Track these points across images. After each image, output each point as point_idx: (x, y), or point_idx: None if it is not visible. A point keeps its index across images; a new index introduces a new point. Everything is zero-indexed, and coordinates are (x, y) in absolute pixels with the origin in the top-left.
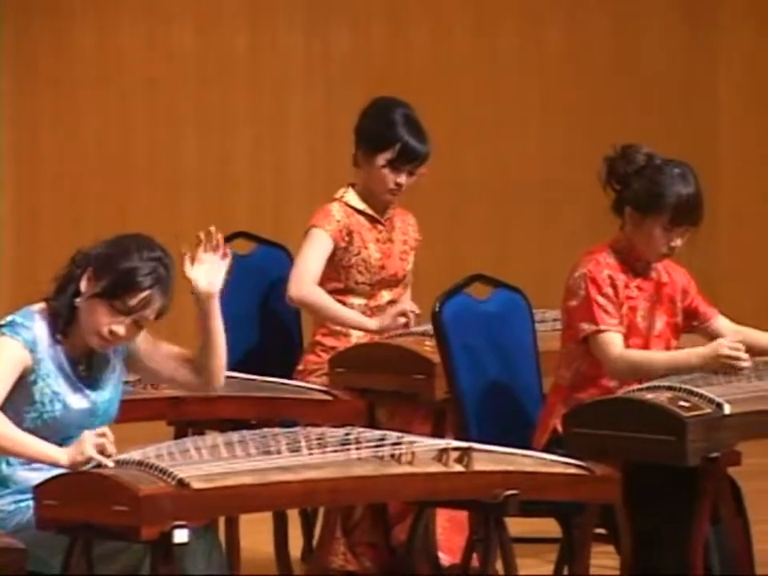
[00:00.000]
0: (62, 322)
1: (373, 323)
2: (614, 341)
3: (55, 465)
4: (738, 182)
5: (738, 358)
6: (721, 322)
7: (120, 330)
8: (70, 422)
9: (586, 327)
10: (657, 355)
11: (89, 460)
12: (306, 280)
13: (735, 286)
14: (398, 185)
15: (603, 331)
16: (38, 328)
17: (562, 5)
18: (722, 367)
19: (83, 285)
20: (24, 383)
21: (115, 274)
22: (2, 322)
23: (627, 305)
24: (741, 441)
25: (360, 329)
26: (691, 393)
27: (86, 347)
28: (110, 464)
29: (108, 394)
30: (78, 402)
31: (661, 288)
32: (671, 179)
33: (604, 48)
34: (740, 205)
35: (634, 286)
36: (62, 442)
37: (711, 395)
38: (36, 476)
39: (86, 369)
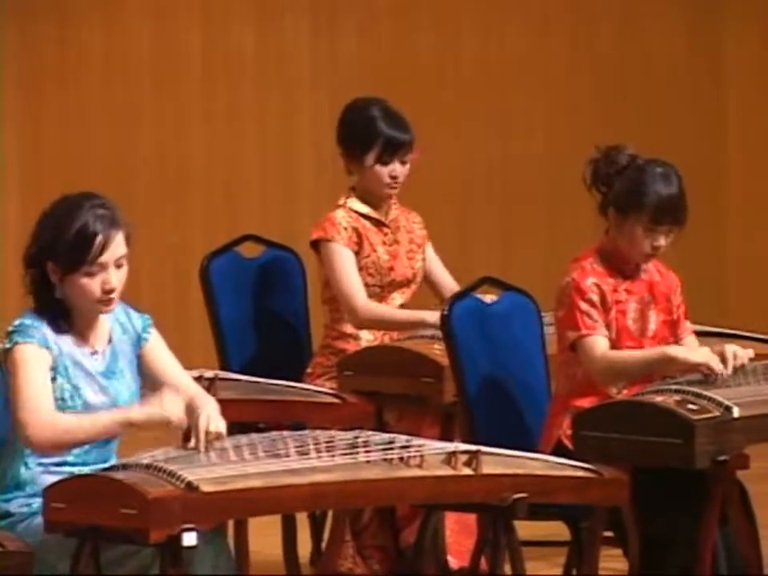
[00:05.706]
0: (59, 317)
1: (430, 315)
2: (596, 344)
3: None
4: (747, 190)
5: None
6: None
7: (110, 282)
8: None
9: (571, 334)
10: (634, 352)
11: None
12: (357, 303)
13: (744, 296)
14: (394, 176)
15: (585, 336)
16: (45, 326)
17: (568, 9)
18: (701, 358)
19: (52, 277)
20: None
21: (68, 244)
22: (10, 329)
23: (616, 309)
24: (749, 444)
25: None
26: (700, 396)
27: (96, 337)
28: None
29: (128, 385)
30: (97, 397)
31: (654, 287)
32: (652, 178)
33: (609, 51)
34: (749, 213)
35: (622, 289)
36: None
37: (720, 398)
38: (56, 479)
39: (102, 360)
